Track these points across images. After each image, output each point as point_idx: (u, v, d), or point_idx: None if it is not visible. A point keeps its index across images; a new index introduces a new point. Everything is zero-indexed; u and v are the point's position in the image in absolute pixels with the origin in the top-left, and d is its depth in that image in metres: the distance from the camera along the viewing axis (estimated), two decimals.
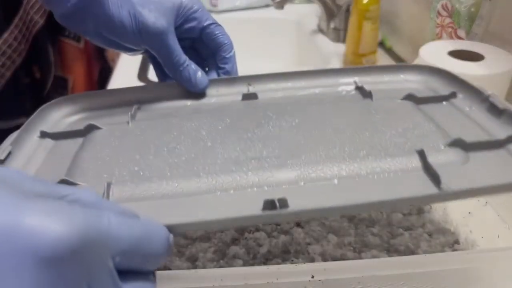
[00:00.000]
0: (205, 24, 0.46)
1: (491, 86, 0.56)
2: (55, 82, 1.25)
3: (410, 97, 0.42)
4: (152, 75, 0.78)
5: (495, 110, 0.38)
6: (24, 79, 1.21)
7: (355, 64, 0.81)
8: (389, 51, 0.89)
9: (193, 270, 0.32)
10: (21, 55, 1.16)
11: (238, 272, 0.31)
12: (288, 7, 0.97)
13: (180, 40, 0.45)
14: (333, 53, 0.88)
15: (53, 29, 1.19)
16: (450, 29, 0.63)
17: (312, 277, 0.30)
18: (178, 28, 0.45)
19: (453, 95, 0.42)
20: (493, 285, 0.35)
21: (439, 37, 0.65)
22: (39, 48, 1.19)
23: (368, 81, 0.46)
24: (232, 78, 0.47)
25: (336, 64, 0.84)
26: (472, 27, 0.61)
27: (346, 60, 0.82)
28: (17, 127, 0.39)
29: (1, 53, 1.11)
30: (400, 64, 0.48)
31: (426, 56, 0.58)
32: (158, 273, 0.25)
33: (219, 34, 0.47)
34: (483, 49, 0.58)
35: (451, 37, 0.64)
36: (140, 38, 0.42)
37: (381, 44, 0.90)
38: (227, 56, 0.48)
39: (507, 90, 0.58)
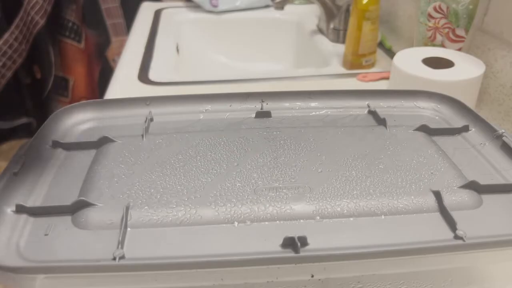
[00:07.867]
0: None
1: (463, 91, 0.56)
2: (55, 82, 1.26)
3: (423, 128, 0.42)
4: (152, 75, 0.78)
5: (508, 149, 0.39)
6: (25, 79, 1.21)
7: (355, 64, 0.81)
8: (389, 52, 0.89)
9: (193, 269, 0.32)
10: (21, 55, 1.16)
11: (238, 272, 0.31)
12: (288, 7, 0.97)
13: None
14: (332, 53, 0.88)
15: (53, 30, 1.19)
16: (447, 30, 0.63)
17: (312, 276, 0.30)
18: None
19: (465, 128, 0.43)
20: (493, 285, 0.35)
21: (432, 39, 0.65)
22: (39, 49, 1.19)
23: (380, 105, 0.47)
24: (245, 94, 0.47)
25: (336, 64, 0.84)
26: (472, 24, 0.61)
27: (345, 61, 0.82)
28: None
29: (2, 54, 1.11)
30: (412, 90, 0.49)
31: (399, 63, 0.58)
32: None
33: None
34: (455, 56, 0.59)
35: (449, 38, 0.64)
36: None
37: (381, 45, 0.90)
38: None
39: (477, 96, 0.58)
